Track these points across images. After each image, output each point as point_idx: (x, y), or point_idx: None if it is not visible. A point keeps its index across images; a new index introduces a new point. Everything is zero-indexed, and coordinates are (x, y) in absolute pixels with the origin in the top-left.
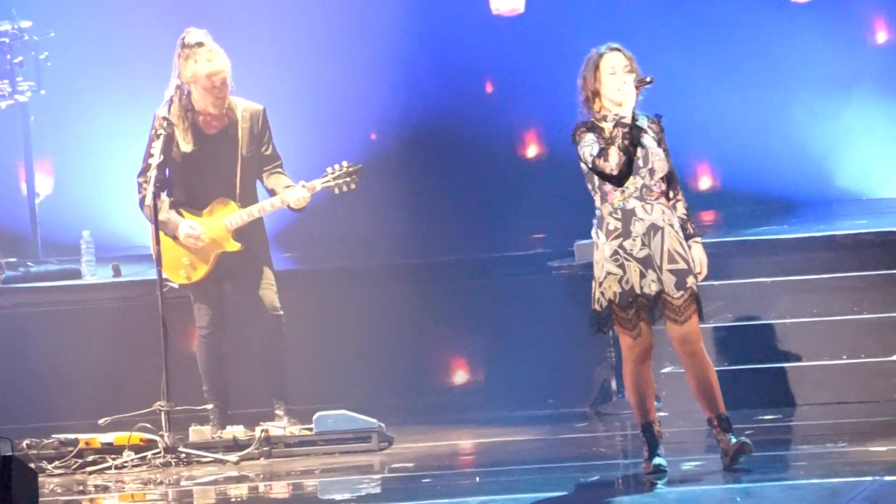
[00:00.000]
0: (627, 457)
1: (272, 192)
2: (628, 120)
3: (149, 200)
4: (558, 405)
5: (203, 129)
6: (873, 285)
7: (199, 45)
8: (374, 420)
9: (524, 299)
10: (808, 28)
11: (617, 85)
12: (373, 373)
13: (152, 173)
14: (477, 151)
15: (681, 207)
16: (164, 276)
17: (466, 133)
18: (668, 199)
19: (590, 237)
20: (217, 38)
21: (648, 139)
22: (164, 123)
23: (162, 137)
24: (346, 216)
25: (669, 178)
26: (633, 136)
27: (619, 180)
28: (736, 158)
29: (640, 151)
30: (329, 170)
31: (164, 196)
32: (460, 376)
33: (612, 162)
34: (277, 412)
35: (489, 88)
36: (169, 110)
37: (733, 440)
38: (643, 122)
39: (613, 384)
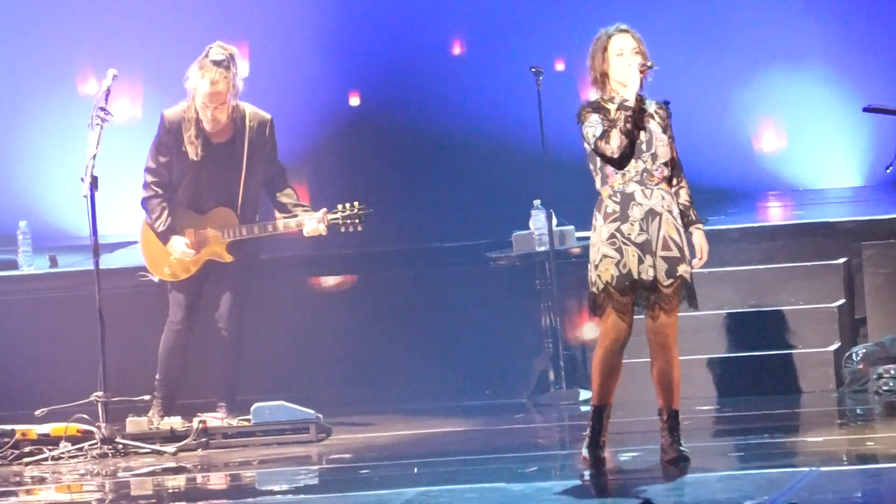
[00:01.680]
0: (565, 447)
1: (284, 207)
2: (632, 103)
3: (84, 191)
4: (496, 396)
5: (210, 137)
6: (811, 276)
7: (216, 63)
8: (312, 411)
9: (462, 290)
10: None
11: (624, 67)
12: (310, 363)
13: (89, 163)
14: (415, 140)
15: (683, 194)
16: (146, 270)
17: (407, 120)
18: (671, 186)
19: (526, 227)
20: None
21: (654, 124)
22: (101, 113)
23: (98, 129)
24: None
25: (673, 165)
26: (636, 119)
27: (619, 163)
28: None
29: (643, 135)
30: (339, 207)
31: (163, 206)
32: (398, 367)
33: (614, 144)
34: (218, 412)
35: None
36: (183, 113)
37: (676, 448)
38: (651, 106)
39: (551, 375)
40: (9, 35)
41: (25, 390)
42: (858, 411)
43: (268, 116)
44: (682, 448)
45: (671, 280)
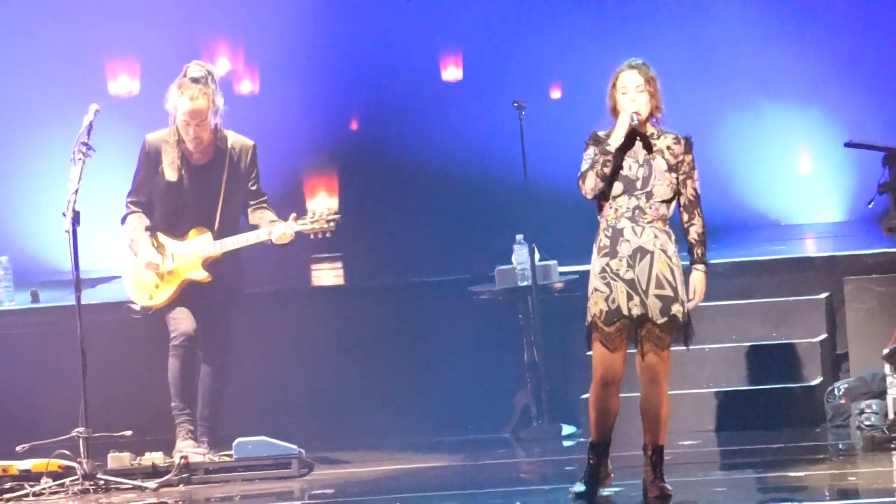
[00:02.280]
0: (548, 482)
1: (256, 227)
2: (612, 147)
3: (66, 226)
4: (478, 431)
5: (190, 159)
6: (793, 311)
7: (195, 81)
8: (294, 446)
9: (444, 324)
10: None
11: (624, 105)
12: (292, 398)
13: (71, 198)
14: (398, 174)
15: (693, 232)
16: (128, 297)
17: (388, 154)
18: (684, 222)
19: (509, 262)
20: (193, 29)
21: (659, 161)
22: (84, 149)
23: (80, 164)
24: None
25: (688, 202)
26: (616, 163)
27: (595, 200)
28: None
29: (640, 172)
30: (309, 214)
31: (140, 217)
32: (380, 401)
33: (587, 186)
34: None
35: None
36: (164, 137)
37: (659, 485)
38: (664, 142)
39: (534, 410)
40: None
41: (6, 426)
42: (840, 446)
43: (250, 143)
44: (665, 485)
45: (664, 318)
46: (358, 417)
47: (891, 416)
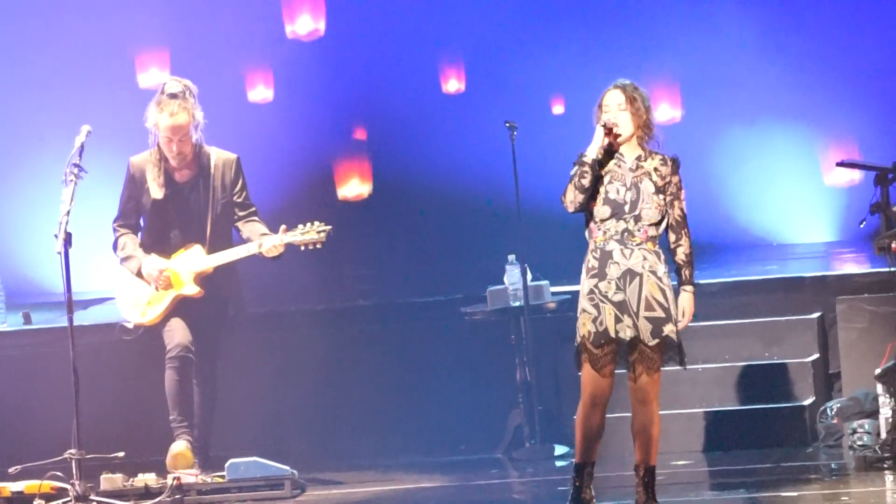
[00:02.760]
0: (540, 502)
1: (248, 240)
2: (588, 158)
3: (58, 248)
4: (471, 451)
5: (174, 176)
6: (785, 330)
7: (173, 96)
8: (287, 467)
9: (437, 344)
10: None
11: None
12: (285, 419)
13: (63, 220)
14: (390, 194)
15: (680, 253)
16: (122, 317)
17: (380, 177)
18: (672, 243)
19: (501, 282)
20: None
21: (647, 183)
22: (75, 170)
23: (72, 185)
24: (256, 262)
25: (675, 223)
26: (594, 175)
27: (577, 213)
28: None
29: (628, 195)
30: (300, 227)
31: (131, 237)
32: (373, 422)
33: (567, 199)
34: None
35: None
36: (148, 157)
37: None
38: (651, 163)
39: (526, 430)
40: None
41: None
42: (833, 466)
43: (233, 156)
44: None
45: (656, 340)
46: (350, 438)
47: (883, 435)
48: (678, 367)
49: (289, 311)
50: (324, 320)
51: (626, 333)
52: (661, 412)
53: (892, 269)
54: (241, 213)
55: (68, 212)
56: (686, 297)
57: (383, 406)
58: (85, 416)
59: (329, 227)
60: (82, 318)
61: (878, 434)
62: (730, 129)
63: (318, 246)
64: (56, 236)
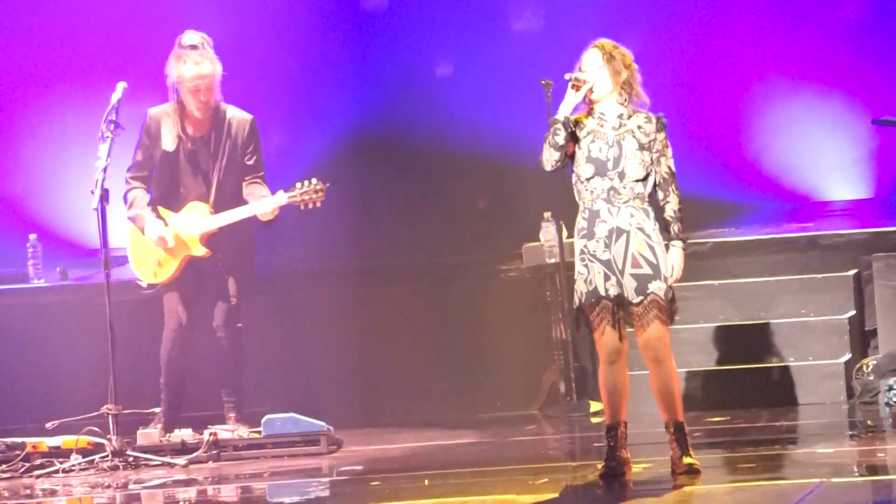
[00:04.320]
0: (576, 459)
1: (247, 202)
2: (560, 116)
3: (94, 203)
4: (507, 408)
5: (190, 131)
6: (821, 288)
7: (193, 47)
8: (323, 423)
9: (473, 302)
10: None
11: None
12: (321, 376)
13: (99, 176)
14: (425, 154)
15: (668, 209)
16: (134, 274)
17: (413, 135)
18: (660, 200)
19: (537, 240)
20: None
21: (630, 141)
22: (111, 126)
23: (108, 141)
24: (294, 219)
25: (662, 180)
26: (566, 131)
27: (551, 174)
28: (680, 158)
29: (610, 153)
30: (298, 185)
31: (143, 192)
32: (408, 379)
33: (543, 157)
34: (228, 423)
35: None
36: (165, 109)
37: (685, 460)
38: (635, 122)
39: (562, 387)
40: (16, 47)
41: (36, 403)
42: (869, 423)
43: (248, 116)
44: (691, 460)
45: (640, 297)
46: (387, 395)
47: None
48: (710, 325)
49: (325, 270)
50: (359, 279)
51: (613, 291)
52: (696, 369)
53: None
54: (247, 176)
55: (105, 168)
56: (676, 253)
57: (419, 364)
58: (121, 372)
59: (327, 185)
60: (119, 274)
61: None
62: (764, 85)
63: (318, 204)
64: (93, 192)
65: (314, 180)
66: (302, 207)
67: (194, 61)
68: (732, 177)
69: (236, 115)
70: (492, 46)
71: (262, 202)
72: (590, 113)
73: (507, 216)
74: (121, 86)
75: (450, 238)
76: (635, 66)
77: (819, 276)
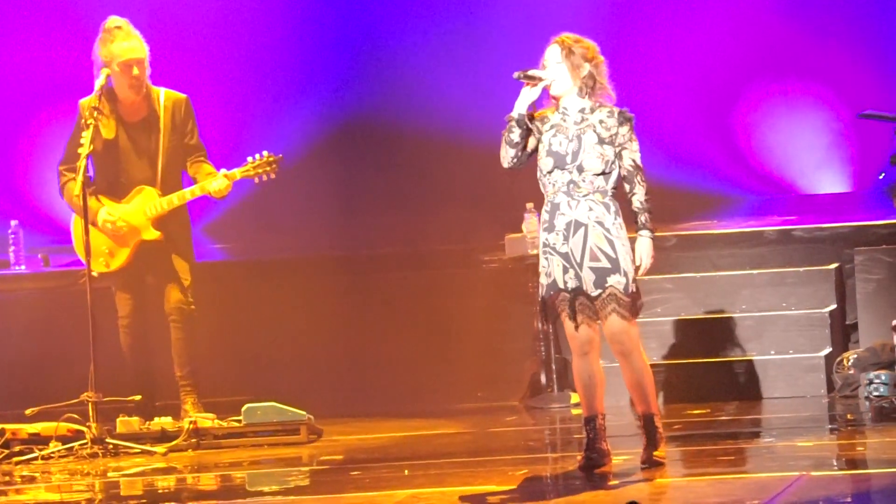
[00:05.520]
0: (556, 450)
1: (194, 181)
2: (514, 114)
3: (77, 190)
4: (488, 398)
5: (124, 116)
6: (802, 281)
7: (118, 28)
8: (304, 412)
9: (454, 292)
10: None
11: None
12: (302, 365)
13: (82, 163)
14: (407, 142)
15: (635, 201)
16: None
17: (397, 123)
18: (627, 193)
19: (519, 231)
20: (142, 25)
21: (589, 135)
22: (94, 113)
23: (91, 127)
24: (276, 207)
25: (627, 173)
26: (521, 128)
27: (510, 170)
28: (666, 151)
29: (569, 147)
30: (250, 159)
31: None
32: (390, 369)
33: (500, 154)
34: (185, 407)
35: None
36: (97, 98)
37: (649, 452)
38: (597, 116)
39: (543, 378)
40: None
41: (16, 389)
42: (849, 416)
43: (182, 96)
44: (655, 452)
45: (599, 291)
46: (367, 384)
47: None
48: (692, 317)
49: (306, 258)
50: (341, 267)
51: (571, 284)
52: (678, 361)
53: None
54: (191, 156)
55: (89, 155)
56: (644, 243)
57: (400, 353)
58: (101, 359)
59: (280, 157)
60: None
61: (895, 385)
62: (748, 78)
63: (272, 176)
64: (74, 178)
65: (266, 153)
66: (256, 181)
67: (122, 39)
68: (716, 169)
69: (171, 96)
70: (476, 33)
71: (215, 180)
72: (557, 107)
73: (490, 206)
74: (104, 72)
75: (432, 228)
76: (601, 58)
77: (801, 269)
